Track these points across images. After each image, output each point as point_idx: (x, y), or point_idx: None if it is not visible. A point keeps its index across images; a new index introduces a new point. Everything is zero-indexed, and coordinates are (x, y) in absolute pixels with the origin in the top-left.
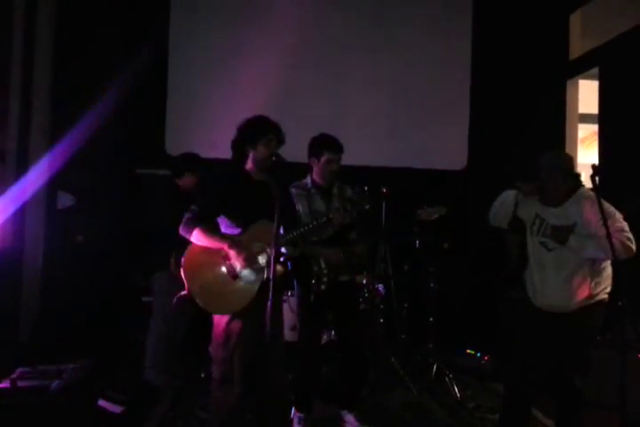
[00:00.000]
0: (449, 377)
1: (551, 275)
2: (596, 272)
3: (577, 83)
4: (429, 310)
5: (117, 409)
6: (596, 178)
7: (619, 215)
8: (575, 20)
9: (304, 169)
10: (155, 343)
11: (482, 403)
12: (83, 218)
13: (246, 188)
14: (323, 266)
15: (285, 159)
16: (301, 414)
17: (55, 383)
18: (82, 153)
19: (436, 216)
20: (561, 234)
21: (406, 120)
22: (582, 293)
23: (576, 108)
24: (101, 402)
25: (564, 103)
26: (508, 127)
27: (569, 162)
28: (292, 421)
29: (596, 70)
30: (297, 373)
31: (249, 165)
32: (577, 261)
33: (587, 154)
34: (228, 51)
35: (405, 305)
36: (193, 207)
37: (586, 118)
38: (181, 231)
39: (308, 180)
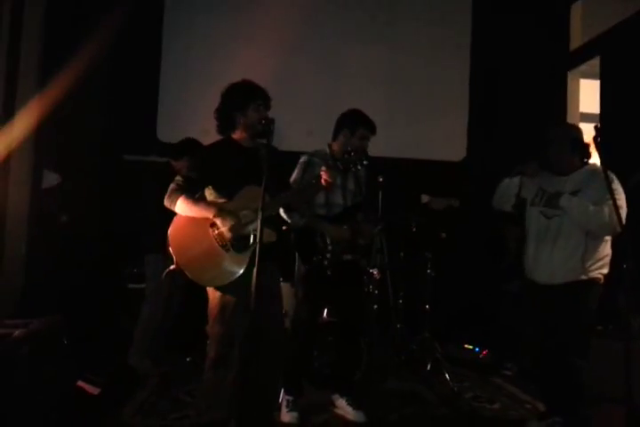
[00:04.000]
0: (446, 368)
1: (546, 245)
2: (591, 247)
3: (578, 81)
4: (426, 297)
5: (95, 391)
6: (599, 139)
7: (622, 195)
8: (576, 10)
9: (298, 158)
10: (144, 329)
11: (480, 394)
12: (68, 199)
13: (235, 156)
14: (328, 241)
15: (273, 120)
16: (290, 397)
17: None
18: (70, 135)
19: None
20: (554, 197)
21: (405, 110)
22: (573, 265)
23: (577, 102)
24: (80, 383)
25: (564, 95)
26: (507, 118)
27: (578, 133)
28: (280, 404)
29: (597, 70)
30: (288, 354)
31: (237, 133)
32: (573, 232)
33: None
34: (223, 37)
35: (401, 293)
36: (177, 178)
37: (587, 118)
38: (165, 202)
39: (327, 151)
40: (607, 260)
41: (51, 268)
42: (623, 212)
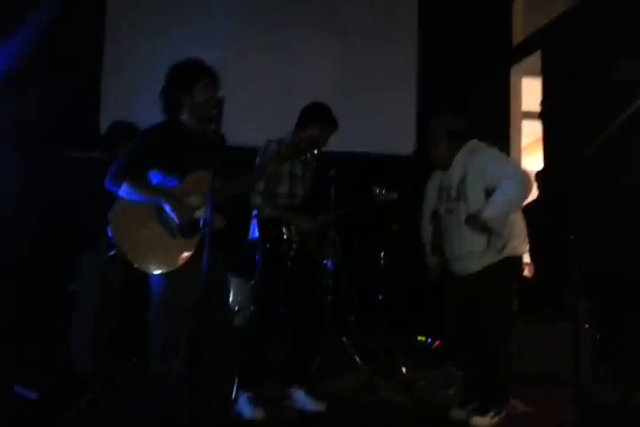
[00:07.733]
0: (400, 358)
1: (454, 238)
2: (500, 229)
3: (520, 80)
4: (379, 288)
5: (34, 395)
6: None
7: (509, 160)
8: (517, 6)
9: (252, 153)
10: (81, 331)
11: (434, 382)
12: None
13: (181, 138)
14: (293, 232)
15: (223, 99)
16: (250, 393)
17: None
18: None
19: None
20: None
21: (353, 104)
22: (484, 249)
23: (520, 100)
24: (17, 388)
25: (507, 93)
26: (455, 111)
27: (453, 122)
28: (237, 401)
29: (539, 68)
30: (245, 348)
31: (185, 115)
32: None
33: (530, 161)
34: (170, 27)
35: (354, 286)
36: (120, 158)
37: (530, 116)
38: (107, 184)
39: None
40: (523, 236)
41: None
42: (524, 173)
